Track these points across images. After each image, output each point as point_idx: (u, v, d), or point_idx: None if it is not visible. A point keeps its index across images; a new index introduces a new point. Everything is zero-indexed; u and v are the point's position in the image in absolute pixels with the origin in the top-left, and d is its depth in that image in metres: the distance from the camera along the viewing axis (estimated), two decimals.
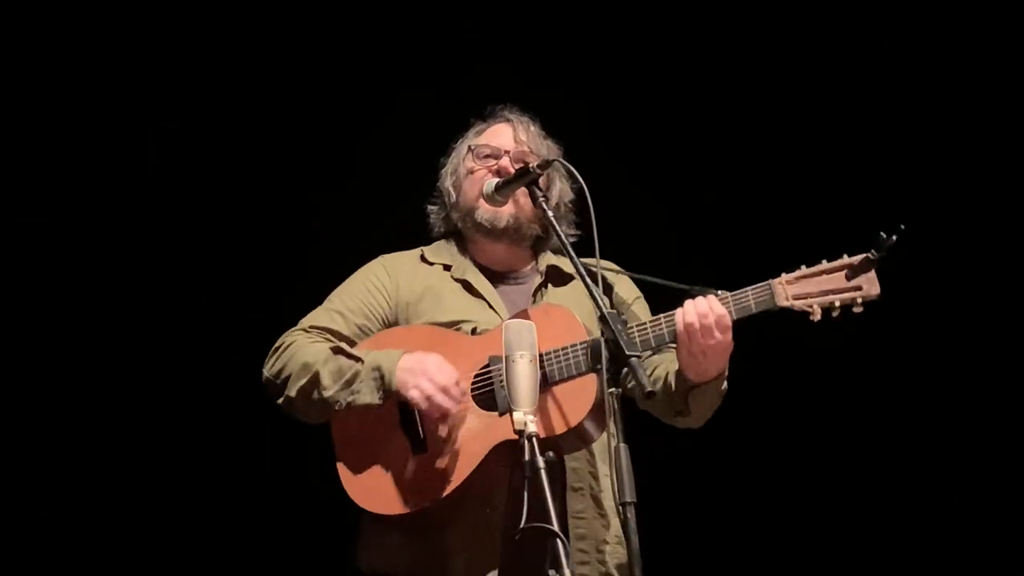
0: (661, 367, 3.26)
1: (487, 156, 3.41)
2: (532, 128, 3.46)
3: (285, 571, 4.58)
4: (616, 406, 2.71)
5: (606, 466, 3.13)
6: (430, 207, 3.56)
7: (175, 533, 4.57)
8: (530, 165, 3.17)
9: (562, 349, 3.11)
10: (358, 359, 3.21)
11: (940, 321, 4.65)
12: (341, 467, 3.23)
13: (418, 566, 3.19)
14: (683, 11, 4.77)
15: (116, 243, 4.63)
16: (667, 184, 4.74)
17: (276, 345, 3.34)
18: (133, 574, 4.56)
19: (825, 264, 3.08)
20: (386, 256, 3.50)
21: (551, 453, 2.75)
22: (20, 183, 4.53)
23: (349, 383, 3.19)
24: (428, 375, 3.11)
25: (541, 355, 3.02)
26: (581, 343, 3.09)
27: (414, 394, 3.11)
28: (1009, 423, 4.64)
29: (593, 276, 2.90)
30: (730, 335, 3.03)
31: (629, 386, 3.14)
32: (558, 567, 2.59)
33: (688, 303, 3.02)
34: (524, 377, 2.77)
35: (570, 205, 3.44)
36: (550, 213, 3.11)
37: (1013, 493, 4.61)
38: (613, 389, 2.73)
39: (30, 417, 4.51)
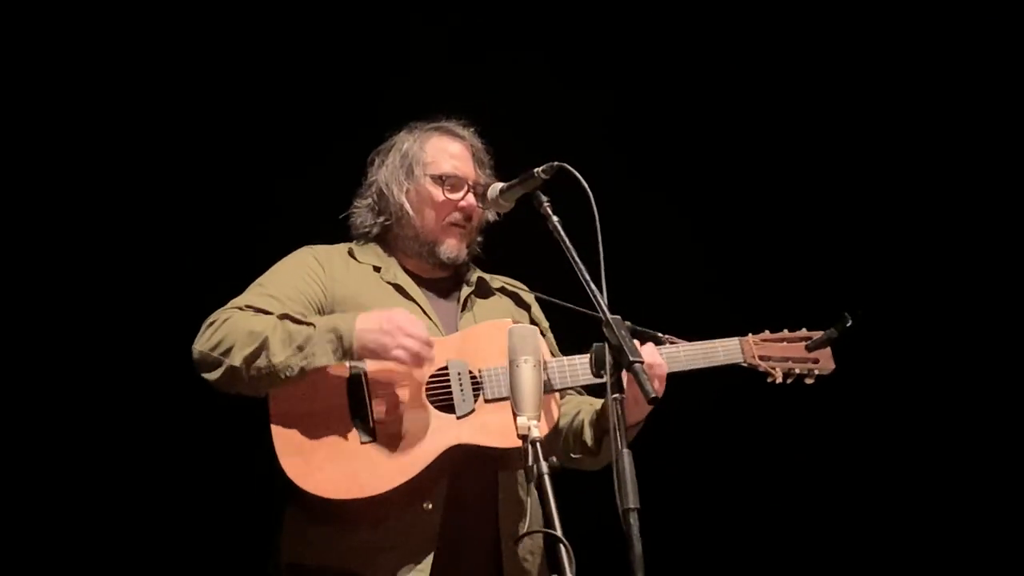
0: (571, 406, 3.33)
1: (452, 186, 3.36)
2: (480, 146, 3.44)
3: (209, 566, 4.34)
4: (620, 411, 2.70)
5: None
6: (360, 203, 3.46)
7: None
8: (535, 170, 3.14)
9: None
10: (309, 324, 3.09)
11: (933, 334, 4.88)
12: (279, 443, 3.06)
13: (345, 560, 3.07)
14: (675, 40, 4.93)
15: (113, 243, 4.45)
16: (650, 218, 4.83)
17: (210, 321, 3.15)
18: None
19: (787, 333, 3.34)
20: (314, 247, 3.39)
21: (554, 459, 2.74)
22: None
23: (301, 347, 3.05)
24: (406, 330, 3.04)
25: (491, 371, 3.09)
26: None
27: (398, 353, 3.03)
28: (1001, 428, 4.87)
29: (597, 281, 2.85)
30: (663, 387, 3.11)
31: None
32: (561, 572, 2.58)
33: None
34: (528, 382, 2.76)
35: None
36: (555, 219, 3.07)
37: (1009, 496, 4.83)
38: (617, 395, 2.72)
39: (23, 414, 4.30)
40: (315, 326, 3.08)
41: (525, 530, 3.06)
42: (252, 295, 3.22)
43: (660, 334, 3.25)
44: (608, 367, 2.75)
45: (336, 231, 3.48)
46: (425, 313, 3.28)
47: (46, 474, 4.30)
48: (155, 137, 4.47)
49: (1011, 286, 4.88)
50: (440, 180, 3.36)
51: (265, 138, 4.53)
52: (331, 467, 3.04)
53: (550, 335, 3.44)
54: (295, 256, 3.36)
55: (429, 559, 3.07)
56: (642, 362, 2.72)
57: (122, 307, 4.41)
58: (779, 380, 3.27)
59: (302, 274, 3.29)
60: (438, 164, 3.38)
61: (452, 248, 3.35)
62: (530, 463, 2.70)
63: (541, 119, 4.09)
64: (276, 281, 3.27)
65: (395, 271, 3.36)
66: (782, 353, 3.28)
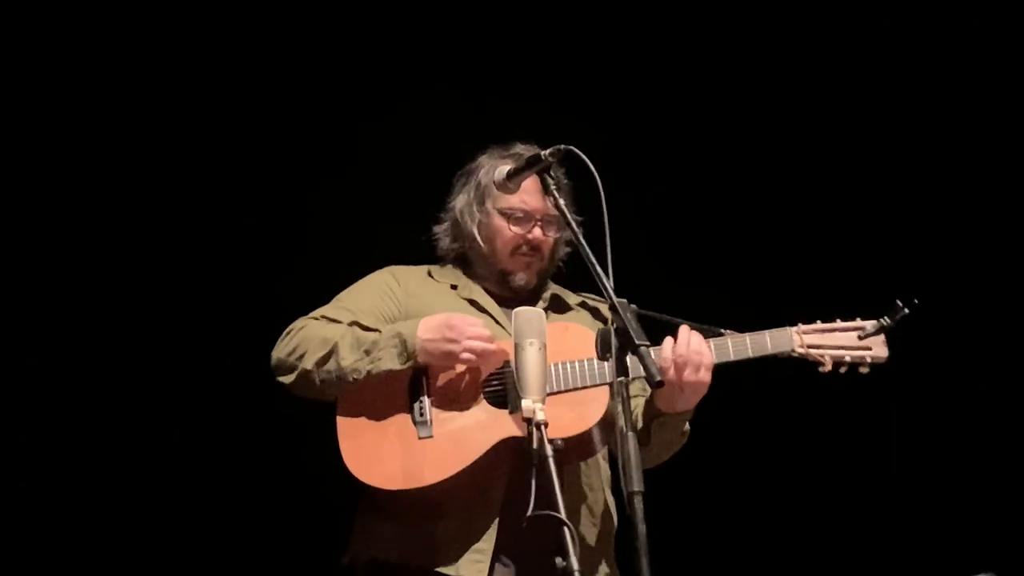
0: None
1: (519, 220, 3.43)
2: (557, 177, 3.38)
3: (280, 565, 4.54)
4: (625, 394, 2.72)
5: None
6: (439, 229, 3.57)
7: (171, 528, 4.52)
8: (543, 153, 3.13)
9: (577, 362, 3.20)
10: (376, 330, 3.27)
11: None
12: (343, 440, 3.24)
13: (411, 552, 3.21)
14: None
15: (111, 241, 4.58)
16: (684, 218, 4.82)
17: (288, 330, 3.37)
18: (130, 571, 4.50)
19: (839, 323, 3.25)
20: (393, 267, 3.54)
21: (559, 441, 2.77)
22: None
23: (368, 352, 3.23)
24: (467, 333, 3.17)
25: (556, 365, 3.13)
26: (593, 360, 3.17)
27: (467, 356, 3.17)
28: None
29: (604, 265, 2.85)
30: (709, 376, 3.11)
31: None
32: (564, 555, 2.61)
33: (682, 335, 3.11)
34: (533, 364, 2.80)
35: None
36: (562, 202, 3.11)
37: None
38: (622, 378, 2.74)
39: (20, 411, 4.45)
40: (381, 332, 3.26)
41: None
42: (328, 307, 3.42)
43: (722, 330, 3.22)
44: (613, 350, 2.76)
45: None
46: (498, 323, 3.37)
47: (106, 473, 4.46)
48: (188, 138, 4.57)
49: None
50: (507, 215, 3.44)
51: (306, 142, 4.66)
52: (389, 460, 3.18)
53: None
54: (374, 275, 3.53)
55: (489, 549, 3.16)
56: (648, 346, 2.71)
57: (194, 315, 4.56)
58: (829, 368, 3.18)
59: (378, 292, 3.45)
60: (507, 198, 3.42)
61: (522, 279, 3.44)
62: (535, 445, 2.74)
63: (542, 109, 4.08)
64: (353, 296, 3.46)
65: (472, 288, 3.47)
66: (833, 342, 3.19)
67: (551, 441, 2.75)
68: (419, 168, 4.03)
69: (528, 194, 3.42)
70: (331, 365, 3.24)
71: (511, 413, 3.18)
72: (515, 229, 3.43)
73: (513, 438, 3.14)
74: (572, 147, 3.05)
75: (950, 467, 4.67)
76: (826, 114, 4.82)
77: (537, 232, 3.43)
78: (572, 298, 3.54)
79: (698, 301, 3.22)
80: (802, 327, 3.22)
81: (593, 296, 3.54)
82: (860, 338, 3.20)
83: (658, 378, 2.69)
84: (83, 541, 4.43)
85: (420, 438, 3.21)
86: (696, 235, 4.78)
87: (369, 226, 4.50)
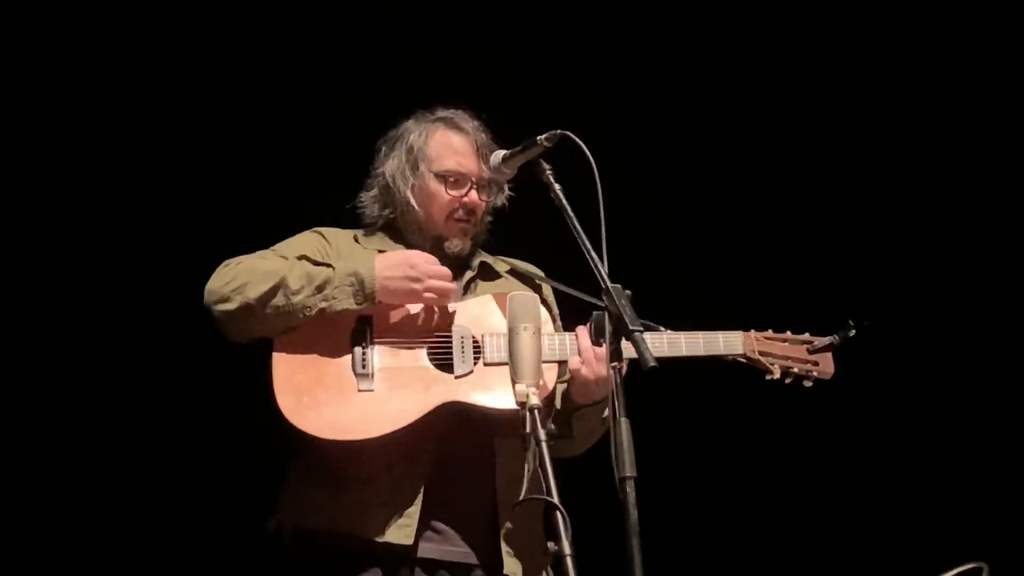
0: None
1: (455, 183, 3.38)
2: (485, 138, 3.43)
3: (203, 526, 4.38)
4: (618, 380, 2.73)
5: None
6: (366, 196, 3.48)
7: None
8: (538, 138, 3.12)
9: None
10: (328, 265, 3.15)
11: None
12: (278, 381, 3.11)
13: (338, 520, 3.12)
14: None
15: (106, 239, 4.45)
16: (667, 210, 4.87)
17: (224, 263, 3.22)
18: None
19: (789, 335, 3.38)
20: (320, 228, 3.43)
21: (552, 425, 2.78)
22: None
23: (320, 288, 3.12)
24: (429, 272, 3.15)
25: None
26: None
27: (428, 296, 3.14)
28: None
29: (598, 249, 2.87)
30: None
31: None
32: (556, 539, 2.60)
33: (582, 336, 3.16)
34: (528, 349, 2.79)
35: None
36: (557, 187, 3.07)
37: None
38: (616, 363, 2.75)
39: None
40: (334, 268, 3.14)
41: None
42: (264, 252, 3.29)
43: (660, 327, 3.27)
44: (607, 335, 2.78)
45: (339, 215, 3.52)
46: None
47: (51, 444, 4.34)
48: (152, 119, 4.49)
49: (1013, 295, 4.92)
50: (443, 178, 3.38)
51: (266, 122, 4.55)
52: (325, 408, 3.10)
53: (558, 321, 3.46)
54: (303, 234, 3.41)
55: (416, 513, 3.11)
56: (642, 331, 2.74)
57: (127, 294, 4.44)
58: (776, 377, 3.29)
59: (310, 247, 3.33)
60: (442, 160, 3.38)
61: (456, 244, 3.39)
62: (528, 430, 2.72)
63: (543, 107, 4.07)
64: (288, 248, 3.33)
65: None
66: (783, 352, 3.32)
67: (545, 426, 2.76)
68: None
69: (463, 156, 3.39)
70: (279, 300, 3.11)
71: (456, 377, 3.16)
72: (452, 192, 3.38)
73: (455, 403, 3.13)
74: (568, 132, 3.05)
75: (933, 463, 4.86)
76: (830, 121, 4.95)
77: (473, 195, 3.39)
78: (500, 265, 3.51)
79: (680, 293, 3.24)
80: (755, 333, 3.33)
81: (520, 263, 3.54)
82: (809, 352, 3.33)
83: (652, 363, 2.70)
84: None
85: (360, 390, 3.13)
86: (688, 230, 4.85)
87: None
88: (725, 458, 4.86)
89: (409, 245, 3.40)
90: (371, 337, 3.18)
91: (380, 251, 3.35)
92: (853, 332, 3.27)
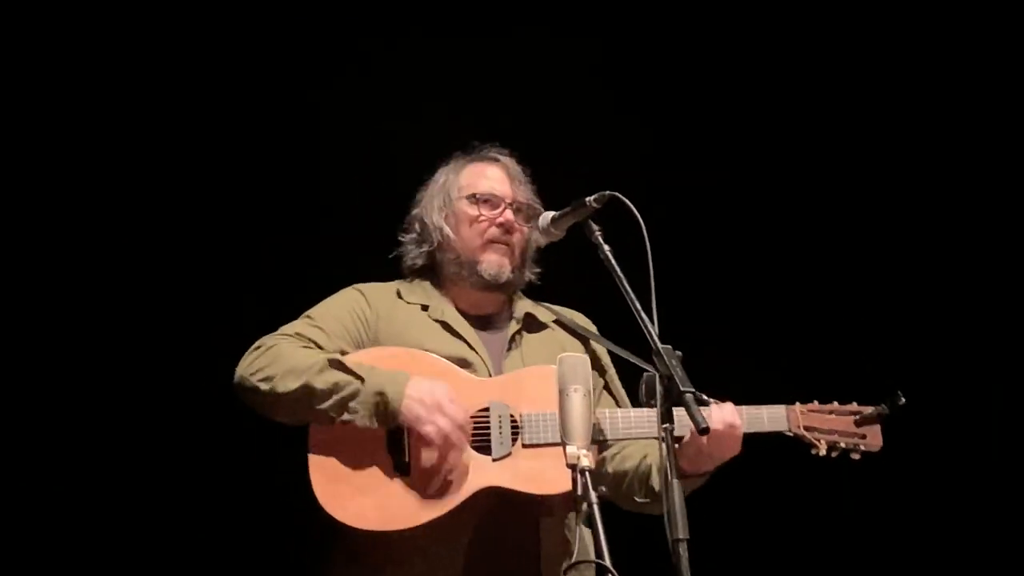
0: (636, 448, 3.27)
1: (487, 202, 3.34)
2: (519, 170, 3.42)
3: None
4: (671, 441, 2.68)
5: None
6: (406, 237, 3.43)
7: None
8: (587, 199, 3.11)
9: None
10: (358, 376, 3.06)
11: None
12: (314, 469, 3.06)
13: None
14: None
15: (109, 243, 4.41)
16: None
17: (256, 346, 3.15)
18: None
19: (836, 405, 3.27)
20: (362, 285, 3.36)
21: (603, 488, 2.69)
22: None
23: (344, 402, 3.04)
24: (443, 410, 3.02)
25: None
26: None
27: (429, 430, 3.01)
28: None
29: (648, 310, 2.85)
30: (739, 446, 3.11)
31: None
32: None
33: (714, 409, 3.07)
34: (579, 411, 2.69)
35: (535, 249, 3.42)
36: (606, 248, 3.05)
37: None
38: (667, 424, 2.71)
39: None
40: (363, 381, 3.04)
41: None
42: (301, 324, 3.22)
43: (706, 396, 3.17)
44: (658, 397, 2.74)
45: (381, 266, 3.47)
46: (473, 349, 3.24)
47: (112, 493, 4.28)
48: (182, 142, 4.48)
49: None
50: (475, 199, 3.35)
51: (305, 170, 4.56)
52: (362, 498, 3.03)
53: (611, 370, 3.39)
54: (344, 294, 3.34)
55: None
56: (693, 392, 2.71)
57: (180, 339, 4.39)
58: (823, 453, 3.20)
59: (348, 311, 3.27)
60: (473, 185, 3.38)
61: (493, 264, 3.30)
62: (579, 493, 2.60)
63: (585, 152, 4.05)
64: (324, 315, 3.26)
65: (443, 308, 3.31)
66: (829, 425, 3.21)
67: (596, 489, 2.64)
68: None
69: (495, 180, 3.38)
70: (303, 403, 3.05)
71: (494, 460, 3.07)
72: (484, 212, 3.33)
73: (494, 488, 3.04)
74: (617, 193, 3.04)
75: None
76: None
77: (508, 214, 3.33)
78: (545, 314, 3.42)
79: (720, 357, 3.16)
80: (799, 406, 3.23)
81: (567, 312, 3.46)
82: (856, 424, 3.22)
83: (704, 425, 2.69)
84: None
85: (398, 476, 3.05)
86: (726, 290, 4.79)
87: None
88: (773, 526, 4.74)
89: (449, 283, 3.34)
90: None
91: (424, 306, 3.29)
92: (903, 401, 3.16)
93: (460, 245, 3.33)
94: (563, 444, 2.66)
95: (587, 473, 2.62)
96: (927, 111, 4.87)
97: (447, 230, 3.33)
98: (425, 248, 3.38)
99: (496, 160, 3.42)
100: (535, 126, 3.89)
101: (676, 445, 3.00)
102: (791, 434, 3.20)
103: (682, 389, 2.69)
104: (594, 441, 2.79)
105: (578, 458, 2.64)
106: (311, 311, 3.26)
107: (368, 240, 3.69)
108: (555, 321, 3.42)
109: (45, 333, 4.29)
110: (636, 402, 2.98)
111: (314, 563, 3.14)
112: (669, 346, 2.77)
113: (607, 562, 2.53)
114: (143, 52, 4.39)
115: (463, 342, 3.24)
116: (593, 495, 2.60)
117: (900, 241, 4.88)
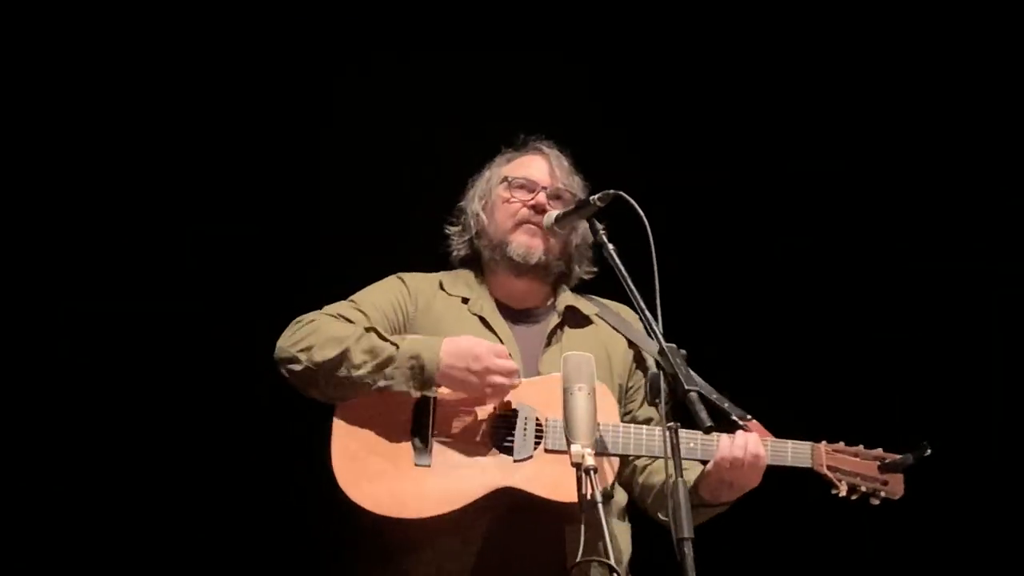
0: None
1: (521, 187, 3.39)
2: (564, 163, 3.45)
3: None
4: (674, 441, 2.68)
5: None
6: (451, 228, 3.50)
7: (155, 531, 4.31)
8: (591, 198, 3.15)
9: (623, 427, 3.16)
10: (393, 343, 3.10)
11: None
12: (336, 448, 3.08)
13: None
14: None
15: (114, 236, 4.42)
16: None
17: (297, 320, 3.21)
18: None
19: (862, 448, 3.25)
20: (406, 275, 3.42)
21: (608, 487, 2.68)
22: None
23: (382, 366, 3.08)
24: (492, 367, 3.05)
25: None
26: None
27: (488, 391, 3.05)
28: None
29: (652, 309, 2.87)
30: (760, 477, 3.11)
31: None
32: None
33: (740, 437, 3.08)
34: (583, 409, 2.73)
35: (589, 245, 3.42)
36: (611, 247, 3.08)
37: None
38: (671, 423, 2.71)
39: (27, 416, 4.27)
40: (398, 347, 3.09)
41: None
42: (341, 305, 3.28)
43: (742, 417, 3.17)
44: (662, 395, 2.74)
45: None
46: (502, 343, 3.25)
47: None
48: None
49: None
50: (509, 183, 3.40)
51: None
52: (380, 481, 3.04)
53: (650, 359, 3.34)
54: (387, 282, 3.40)
55: None
56: (697, 391, 2.72)
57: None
58: (843, 494, 3.18)
59: (390, 300, 3.33)
60: (512, 171, 3.43)
61: (521, 244, 3.33)
62: (583, 491, 2.63)
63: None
64: (366, 301, 3.32)
65: (483, 302, 3.35)
66: (852, 468, 3.20)
67: (603, 493, 2.66)
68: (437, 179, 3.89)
69: (533, 168, 3.41)
70: (341, 371, 3.08)
71: (515, 461, 3.07)
72: (518, 195, 3.37)
73: (510, 488, 3.04)
74: (621, 192, 3.06)
75: None
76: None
77: (540, 197, 3.35)
78: (588, 307, 3.42)
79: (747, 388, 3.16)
80: (825, 445, 3.21)
81: (612, 303, 3.45)
82: (880, 469, 3.20)
83: (708, 423, 2.68)
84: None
85: (416, 465, 3.07)
86: (759, 330, 4.74)
87: (381, 231, 4.39)
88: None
89: (488, 271, 3.38)
90: (434, 409, 3.12)
91: (464, 299, 3.33)
92: (928, 452, 3.15)
93: (493, 229, 3.38)
94: (567, 442, 2.70)
95: (592, 472, 2.64)
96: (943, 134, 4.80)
97: (482, 216, 3.40)
98: (466, 237, 3.45)
99: (540, 151, 3.46)
100: (535, 126, 3.93)
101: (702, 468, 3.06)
102: (814, 472, 3.19)
103: (686, 388, 2.70)
104: (598, 453, 2.80)
105: (582, 457, 2.66)
106: (354, 296, 3.33)
107: (367, 241, 3.84)
108: (598, 314, 3.41)
109: (46, 334, 4.31)
110: None
111: (326, 541, 3.21)
112: (674, 344, 2.79)
113: (611, 560, 2.57)
114: (149, 56, 4.41)
115: (496, 338, 3.27)
116: (598, 494, 2.62)
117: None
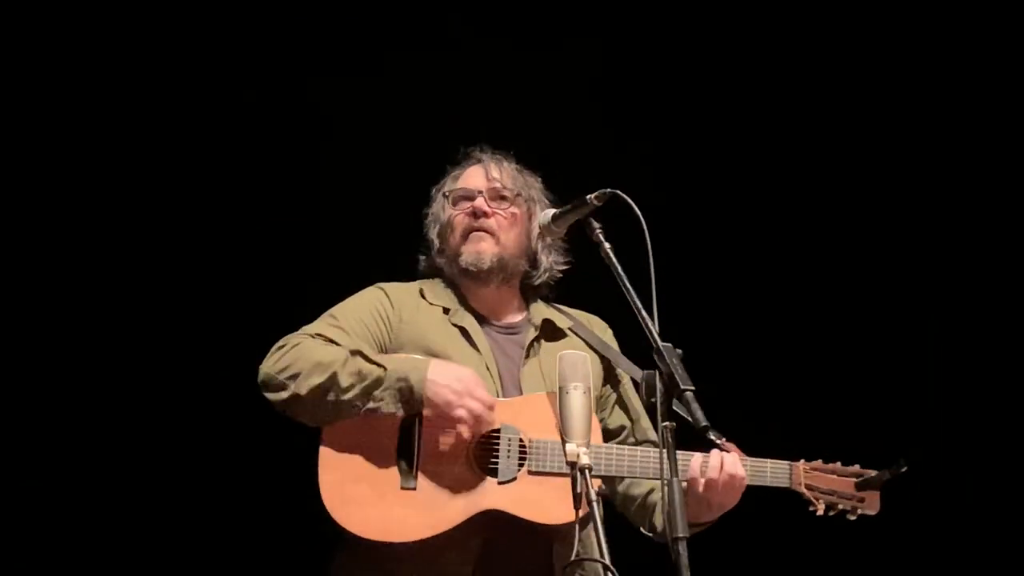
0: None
1: (461, 199, 3.39)
2: (505, 164, 3.44)
3: None
4: (670, 439, 2.65)
5: None
6: (420, 256, 3.49)
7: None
8: (588, 197, 3.12)
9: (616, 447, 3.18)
10: (380, 365, 3.08)
11: None
12: (323, 473, 3.06)
13: None
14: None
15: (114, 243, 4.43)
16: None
17: (279, 344, 3.16)
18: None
19: (839, 466, 3.24)
20: (387, 285, 3.37)
21: (604, 486, 2.66)
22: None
23: (370, 389, 3.05)
24: (473, 394, 3.04)
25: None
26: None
27: (461, 413, 3.03)
28: None
29: (648, 308, 2.85)
30: (738, 497, 3.09)
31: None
32: None
33: (715, 457, 3.06)
34: (578, 409, 2.70)
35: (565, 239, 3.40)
36: (607, 246, 3.06)
37: None
38: (668, 423, 2.68)
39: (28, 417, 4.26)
40: (386, 369, 3.07)
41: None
42: (323, 325, 3.23)
43: (717, 437, 3.12)
44: (659, 395, 2.73)
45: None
46: (486, 367, 3.24)
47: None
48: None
49: None
50: (448, 199, 3.41)
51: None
52: (366, 505, 3.03)
53: (626, 379, 3.38)
54: (367, 293, 3.36)
55: None
56: (693, 390, 2.71)
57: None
58: (820, 512, 3.17)
59: (371, 312, 3.29)
60: (450, 187, 3.44)
61: (471, 253, 3.32)
62: (579, 490, 2.59)
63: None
64: (346, 315, 3.27)
65: (463, 314, 3.33)
66: (829, 486, 3.19)
67: (598, 492, 2.64)
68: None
69: (471, 177, 3.41)
70: (330, 395, 3.05)
71: (499, 483, 3.05)
72: (460, 207, 3.37)
73: (496, 511, 3.03)
74: (618, 191, 3.06)
75: None
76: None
77: (479, 202, 3.35)
78: (562, 320, 3.41)
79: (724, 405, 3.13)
80: (803, 464, 3.21)
81: (584, 317, 3.45)
82: (857, 487, 3.20)
83: (703, 423, 2.70)
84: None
85: (402, 488, 3.05)
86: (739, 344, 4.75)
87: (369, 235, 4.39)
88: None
89: (456, 284, 3.37)
90: (419, 431, 3.09)
91: (445, 309, 3.31)
92: (904, 469, 3.15)
93: (447, 247, 3.39)
94: (562, 441, 2.66)
95: (587, 471, 2.61)
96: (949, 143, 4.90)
97: (436, 241, 3.41)
98: (430, 262, 3.44)
99: (476, 160, 3.46)
100: (535, 126, 3.94)
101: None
102: (792, 490, 3.18)
103: (682, 387, 2.69)
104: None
105: (577, 455, 2.63)
106: (333, 310, 3.27)
107: (368, 240, 3.80)
108: (571, 327, 3.41)
109: (47, 335, 4.29)
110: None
111: (322, 562, 3.15)
112: (670, 344, 2.78)
113: (607, 560, 2.52)
114: (151, 57, 4.45)
115: (476, 351, 3.25)
116: (593, 493, 2.59)
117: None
